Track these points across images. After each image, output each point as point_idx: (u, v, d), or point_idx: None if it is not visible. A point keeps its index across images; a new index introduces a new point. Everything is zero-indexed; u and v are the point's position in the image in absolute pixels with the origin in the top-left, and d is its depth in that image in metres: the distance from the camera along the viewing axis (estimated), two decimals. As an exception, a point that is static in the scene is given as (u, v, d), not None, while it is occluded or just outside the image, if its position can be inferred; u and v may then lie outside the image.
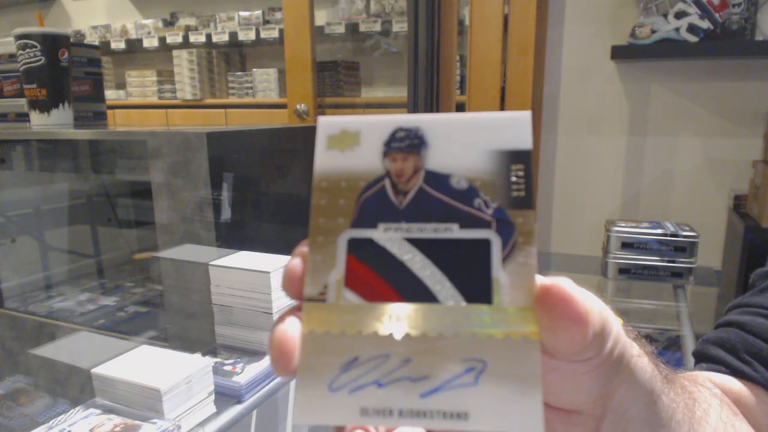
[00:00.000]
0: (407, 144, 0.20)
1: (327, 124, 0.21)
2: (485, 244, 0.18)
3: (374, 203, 0.19)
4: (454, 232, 0.19)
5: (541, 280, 0.18)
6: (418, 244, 0.19)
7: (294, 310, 0.19)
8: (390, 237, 0.19)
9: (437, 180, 0.19)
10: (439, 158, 0.20)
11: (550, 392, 0.22)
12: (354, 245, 0.19)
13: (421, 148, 0.20)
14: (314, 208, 0.20)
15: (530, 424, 0.16)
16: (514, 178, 0.19)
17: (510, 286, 0.18)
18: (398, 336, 0.18)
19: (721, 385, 0.39)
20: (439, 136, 0.20)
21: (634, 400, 0.24)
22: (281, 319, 0.19)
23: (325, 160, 0.20)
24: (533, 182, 0.19)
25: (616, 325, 0.21)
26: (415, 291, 0.18)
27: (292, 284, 0.19)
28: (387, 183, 0.20)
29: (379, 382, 0.17)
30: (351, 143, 0.20)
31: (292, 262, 0.20)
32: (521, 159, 0.19)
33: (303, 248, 0.20)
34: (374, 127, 0.20)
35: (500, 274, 0.18)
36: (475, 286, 0.18)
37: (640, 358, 0.24)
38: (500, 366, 0.17)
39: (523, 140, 0.19)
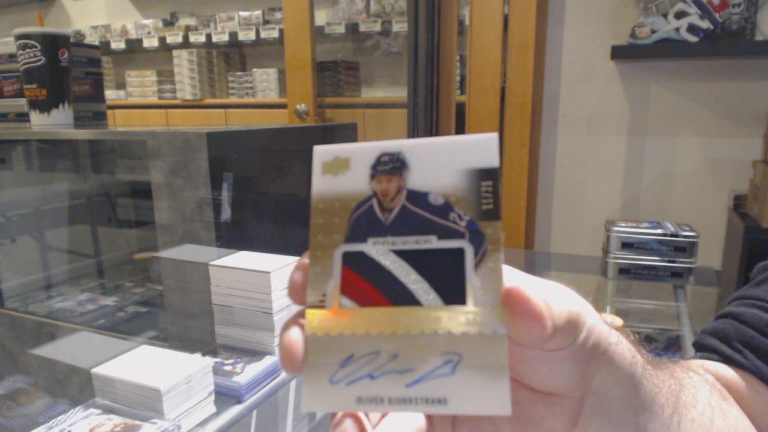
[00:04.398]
0: (391, 167, 0.22)
1: (321, 152, 0.23)
2: (460, 252, 0.21)
3: (364, 220, 0.22)
4: (432, 243, 0.21)
5: (507, 282, 0.20)
6: (403, 254, 0.21)
7: (297, 317, 0.22)
8: (378, 249, 0.22)
9: (417, 198, 0.22)
10: (418, 178, 0.22)
11: (531, 377, 0.24)
12: (348, 258, 0.22)
13: (402, 170, 0.22)
14: (313, 227, 0.22)
15: (499, 405, 0.19)
16: (483, 193, 0.21)
17: (481, 288, 0.20)
18: (386, 335, 0.20)
19: (714, 372, 0.40)
20: (419, 159, 0.22)
21: (613, 384, 0.25)
22: (287, 326, 0.21)
23: (321, 184, 0.23)
24: (500, 196, 0.21)
25: (591, 317, 0.23)
26: (400, 295, 0.21)
27: (297, 293, 0.22)
28: (374, 202, 0.22)
29: (371, 375, 0.20)
30: (343, 168, 0.23)
31: (296, 274, 0.22)
32: (489, 176, 0.21)
33: (304, 260, 0.22)
34: (362, 153, 0.23)
35: (473, 278, 0.20)
36: (452, 289, 0.21)
37: (619, 345, 0.25)
38: (474, 358, 0.19)
39: (491, 159, 0.21)
